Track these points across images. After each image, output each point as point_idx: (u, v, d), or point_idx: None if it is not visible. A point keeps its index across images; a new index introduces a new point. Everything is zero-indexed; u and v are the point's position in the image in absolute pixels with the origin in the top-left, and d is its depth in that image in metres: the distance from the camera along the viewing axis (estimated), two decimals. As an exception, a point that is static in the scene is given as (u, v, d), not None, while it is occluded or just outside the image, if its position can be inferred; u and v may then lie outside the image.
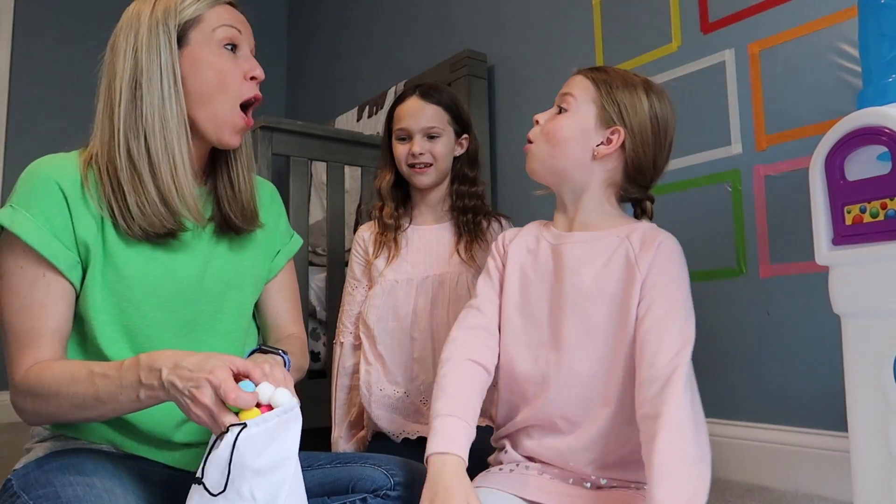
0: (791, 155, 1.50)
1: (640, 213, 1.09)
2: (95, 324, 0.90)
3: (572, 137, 1.02)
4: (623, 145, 1.01)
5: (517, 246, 1.09)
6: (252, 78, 0.98)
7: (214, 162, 1.03)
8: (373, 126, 2.73)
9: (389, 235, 1.45)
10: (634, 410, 0.91)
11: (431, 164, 1.41)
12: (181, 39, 0.94)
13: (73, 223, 0.89)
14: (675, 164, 1.73)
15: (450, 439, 0.91)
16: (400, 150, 1.43)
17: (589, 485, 0.95)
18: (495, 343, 1.05)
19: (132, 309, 0.91)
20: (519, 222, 1.22)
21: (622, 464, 0.96)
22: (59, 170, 0.90)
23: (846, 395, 0.84)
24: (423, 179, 1.42)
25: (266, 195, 1.13)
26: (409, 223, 1.48)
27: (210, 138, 0.96)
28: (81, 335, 0.92)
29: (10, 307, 0.87)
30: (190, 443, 0.95)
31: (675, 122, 1.05)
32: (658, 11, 1.81)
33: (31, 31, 3.06)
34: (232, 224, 1.01)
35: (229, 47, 0.97)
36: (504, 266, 1.09)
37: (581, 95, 1.03)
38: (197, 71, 0.94)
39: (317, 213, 2.86)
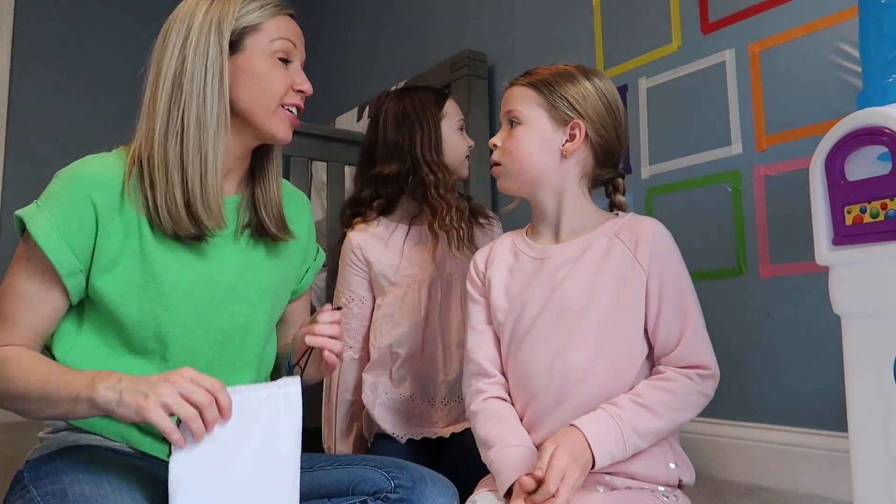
0: (791, 155, 1.50)
1: (612, 190, 1.09)
2: (130, 331, 0.91)
3: (534, 148, 1.01)
4: (586, 135, 1.02)
5: (497, 268, 1.09)
6: (299, 91, 1.00)
7: (253, 169, 1.04)
8: (373, 126, 2.73)
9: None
10: None
11: None
12: (236, 44, 0.95)
13: (97, 233, 0.89)
14: (675, 164, 1.74)
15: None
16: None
17: (602, 488, 0.95)
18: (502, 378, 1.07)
19: (167, 316, 0.92)
20: (517, 220, 1.22)
21: (635, 461, 0.95)
22: (98, 177, 0.91)
23: (846, 395, 0.84)
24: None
25: (299, 206, 1.14)
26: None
27: (263, 132, 0.98)
28: (110, 345, 0.93)
29: (4, 290, 0.90)
30: None
31: (618, 93, 1.06)
32: (658, 11, 1.81)
33: (31, 31, 3.05)
34: (268, 230, 1.02)
35: (282, 59, 0.98)
36: (489, 293, 1.08)
37: (526, 105, 1.02)
38: (249, 78, 0.95)
39: (317, 212, 2.85)
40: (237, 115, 0.96)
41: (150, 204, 0.91)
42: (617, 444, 0.89)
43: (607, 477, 0.95)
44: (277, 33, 0.97)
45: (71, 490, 0.81)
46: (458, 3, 2.55)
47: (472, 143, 1.50)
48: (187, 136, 0.91)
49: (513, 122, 1.03)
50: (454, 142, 1.45)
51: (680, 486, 0.98)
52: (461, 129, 1.48)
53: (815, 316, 1.42)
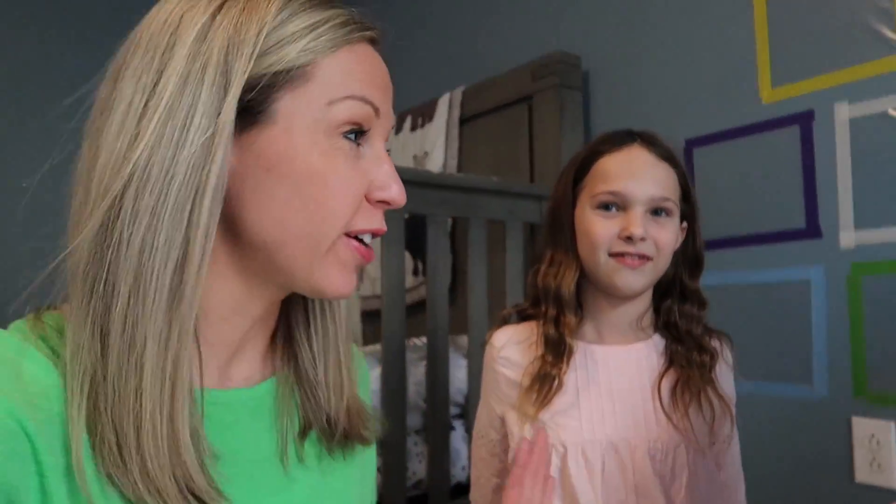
0: None
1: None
2: None
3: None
4: None
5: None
6: (382, 202, 0.52)
7: (289, 322, 0.59)
8: (419, 143, 2.16)
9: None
10: None
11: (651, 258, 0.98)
12: (256, 105, 0.48)
13: (42, 481, 0.44)
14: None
15: None
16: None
17: None
18: None
19: None
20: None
21: None
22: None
23: None
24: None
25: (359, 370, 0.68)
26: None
27: (297, 283, 0.52)
28: None
29: None
30: None
31: None
32: (868, 7, 1.25)
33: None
34: (335, 431, 0.59)
35: (351, 136, 0.50)
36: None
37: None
38: (276, 181, 0.48)
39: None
40: (245, 246, 0.51)
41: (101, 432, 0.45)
42: None
43: None
44: (345, 87, 0.49)
45: None
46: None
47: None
48: (115, 302, 0.45)
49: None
50: None
51: None
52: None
53: None
